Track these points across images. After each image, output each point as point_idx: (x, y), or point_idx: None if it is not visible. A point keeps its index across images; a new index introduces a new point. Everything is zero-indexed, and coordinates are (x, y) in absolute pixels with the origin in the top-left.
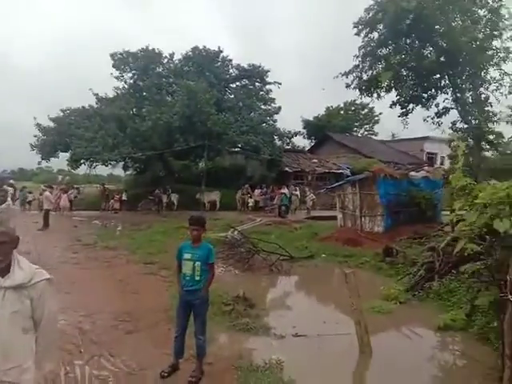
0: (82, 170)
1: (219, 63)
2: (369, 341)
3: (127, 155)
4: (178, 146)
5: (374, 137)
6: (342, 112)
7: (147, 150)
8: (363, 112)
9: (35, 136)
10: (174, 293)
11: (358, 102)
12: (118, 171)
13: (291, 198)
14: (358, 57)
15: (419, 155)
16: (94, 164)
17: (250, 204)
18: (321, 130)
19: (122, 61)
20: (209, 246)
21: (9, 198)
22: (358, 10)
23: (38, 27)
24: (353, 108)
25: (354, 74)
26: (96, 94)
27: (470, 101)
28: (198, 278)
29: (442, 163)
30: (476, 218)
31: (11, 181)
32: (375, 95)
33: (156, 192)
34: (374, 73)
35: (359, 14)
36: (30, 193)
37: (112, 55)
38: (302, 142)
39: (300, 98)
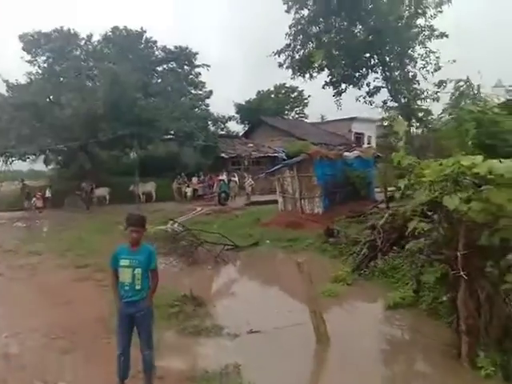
0: None
1: (143, 45)
2: (325, 330)
3: (47, 147)
4: (103, 136)
5: (304, 119)
6: (272, 96)
7: (69, 141)
8: (293, 95)
9: None
10: (111, 298)
11: (287, 84)
12: (40, 166)
13: (230, 185)
14: (289, 35)
15: (348, 135)
16: (10, 159)
17: (188, 194)
18: (253, 114)
19: (33, 43)
20: (149, 248)
21: None
22: None
23: None
24: (283, 91)
25: (286, 53)
26: (6, 81)
27: (399, 79)
28: (138, 288)
29: (369, 142)
30: (425, 196)
31: None
32: (307, 76)
33: (82, 186)
34: (306, 52)
35: None
36: None
37: (21, 37)
38: (236, 128)
39: (230, 81)
